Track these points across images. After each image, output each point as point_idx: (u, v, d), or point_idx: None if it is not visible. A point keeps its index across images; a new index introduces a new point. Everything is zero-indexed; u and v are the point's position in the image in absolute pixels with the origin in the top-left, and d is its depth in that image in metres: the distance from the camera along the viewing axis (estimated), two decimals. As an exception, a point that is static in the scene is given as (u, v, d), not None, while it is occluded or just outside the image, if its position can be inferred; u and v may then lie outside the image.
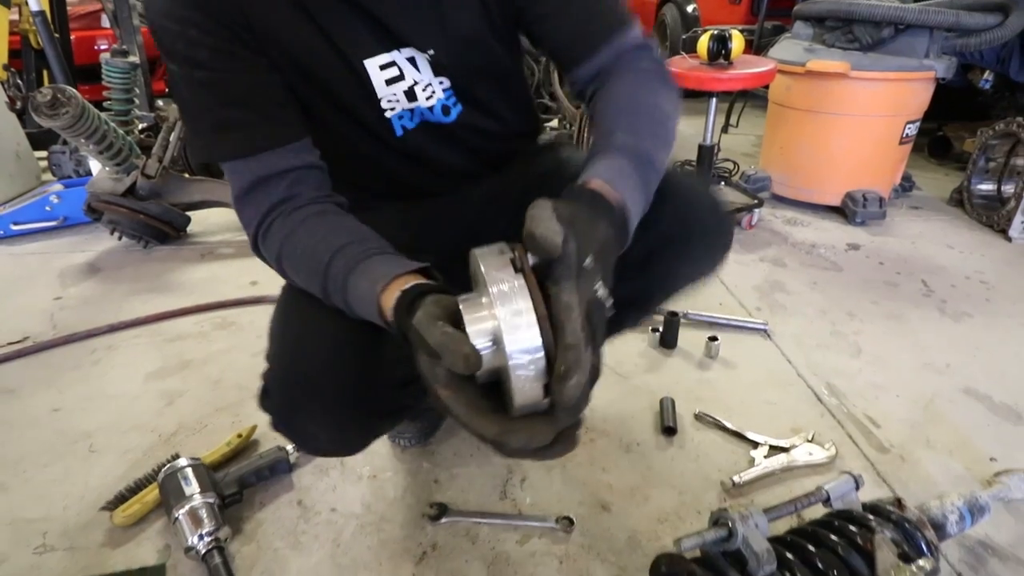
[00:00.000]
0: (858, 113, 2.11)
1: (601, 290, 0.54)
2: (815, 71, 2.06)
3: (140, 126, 2.45)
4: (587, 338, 0.50)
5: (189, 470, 1.05)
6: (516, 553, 0.99)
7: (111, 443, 1.24)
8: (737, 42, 1.96)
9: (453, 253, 0.62)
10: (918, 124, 2.20)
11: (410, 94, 0.82)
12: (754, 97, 2.88)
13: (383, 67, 0.78)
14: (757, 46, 2.91)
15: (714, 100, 2.09)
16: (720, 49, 1.98)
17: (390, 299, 0.59)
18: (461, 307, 0.53)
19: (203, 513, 0.99)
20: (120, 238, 2.09)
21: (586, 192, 0.61)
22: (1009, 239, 2.11)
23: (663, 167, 0.71)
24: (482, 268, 0.51)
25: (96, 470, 1.17)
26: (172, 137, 2.02)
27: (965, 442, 1.21)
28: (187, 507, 0.99)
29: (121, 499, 1.07)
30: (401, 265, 0.64)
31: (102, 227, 2.08)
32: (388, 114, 0.82)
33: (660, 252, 0.78)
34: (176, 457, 1.08)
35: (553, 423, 0.50)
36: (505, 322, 0.49)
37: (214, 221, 2.33)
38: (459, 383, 0.52)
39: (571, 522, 1.04)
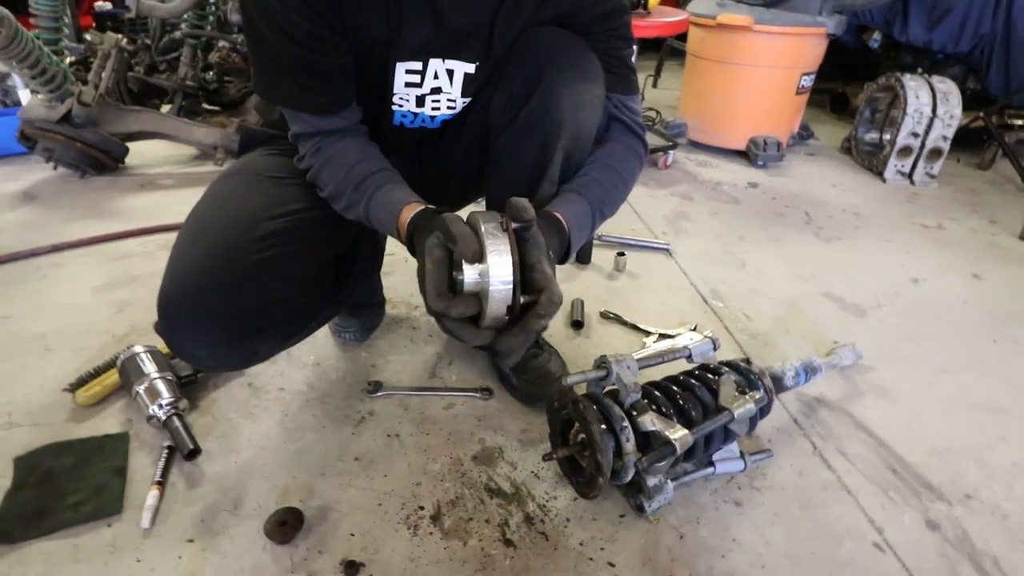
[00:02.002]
0: (760, 64, 2.34)
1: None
2: (724, 24, 2.27)
3: (69, 59, 2.42)
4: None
5: (146, 354, 1.16)
6: (442, 415, 1.17)
7: (65, 343, 1.33)
8: (654, -6, 2.14)
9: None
10: (813, 77, 2.45)
11: (420, 101, 0.95)
12: (681, 55, 3.09)
13: (409, 72, 0.91)
14: (682, 2, 3.10)
15: (635, 47, 2.26)
16: (639, 0, 2.16)
17: (411, 211, 0.83)
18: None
19: (161, 386, 1.10)
20: (55, 167, 2.09)
21: (547, 214, 0.85)
22: (884, 180, 2.41)
23: (613, 212, 0.97)
24: (481, 225, 0.73)
25: (53, 364, 1.26)
26: (108, 65, 2.02)
27: (817, 331, 1.47)
28: (146, 383, 1.11)
29: (82, 382, 1.18)
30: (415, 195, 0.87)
31: (36, 157, 2.09)
32: (394, 107, 0.96)
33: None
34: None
35: (517, 334, 0.74)
36: (492, 261, 0.71)
37: (153, 154, 2.35)
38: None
39: (490, 392, 1.22)
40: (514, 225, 0.75)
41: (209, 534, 0.92)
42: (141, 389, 1.10)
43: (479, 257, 0.73)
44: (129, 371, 1.14)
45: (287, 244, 0.88)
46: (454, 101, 0.96)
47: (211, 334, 0.85)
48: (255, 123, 1.14)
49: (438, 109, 0.97)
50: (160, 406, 1.08)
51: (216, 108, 2.76)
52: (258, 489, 1.00)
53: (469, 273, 0.72)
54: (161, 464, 1.02)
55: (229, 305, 0.84)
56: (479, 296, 0.74)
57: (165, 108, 2.63)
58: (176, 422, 1.07)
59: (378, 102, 0.94)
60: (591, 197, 0.93)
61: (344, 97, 0.90)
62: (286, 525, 0.92)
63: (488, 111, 0.98)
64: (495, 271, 0.71)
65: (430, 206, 0.84)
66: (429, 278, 0.72)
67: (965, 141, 2.56)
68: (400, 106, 0.95)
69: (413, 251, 0.82)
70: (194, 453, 1.03)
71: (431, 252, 0.73)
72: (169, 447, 1.05)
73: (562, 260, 0.88)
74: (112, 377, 1.18)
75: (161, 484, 0.99)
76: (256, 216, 0.88)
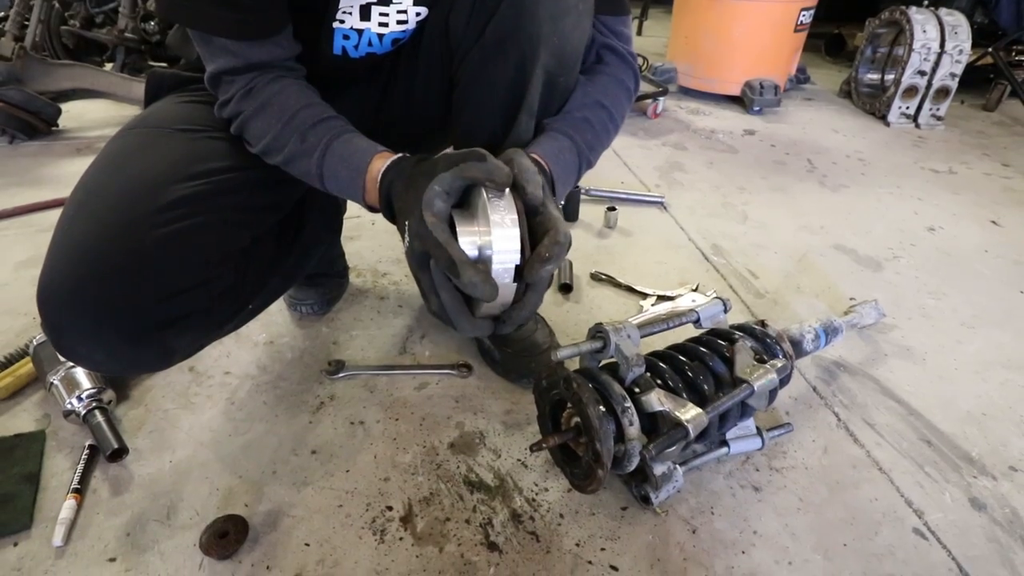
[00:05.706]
0: (757, -2, 2.14)
1: None
2: (717, -46, 2.07)
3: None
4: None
5: (64, 338, 1.00)
6: (414, 397, 1.02)
7: (-23, 328, 1.15)
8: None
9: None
10: (812, 12, 2.26)
11: (365, 12, 0.75)
12: (666, 2, 2.88)
13: None
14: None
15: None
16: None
17: (384, 160, 0.68)
18: (456, 218, 0.63)
19: (81, 375, 0.94)
20: (-22, 131, 1.87)
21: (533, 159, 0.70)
22: (888, 124, 2.25)
23: (598, 155, 0.83)
24: (483, 193, 0.61)
25: (-38, 353, 1.09)
26: (33, 15, 1.79)
27: (830, 287, 1.33)
28: (63, 371, 0.95)
29: (-10, 374, 1.01)
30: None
31: (-45, 121, 1.86)
32: (335, 24, 0.76)
33: None
34: (49, 329, 1.02)
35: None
36: (496, 234, 0.60)
37: (92, 116, 2.12)
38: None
39: (469, 368, 1.07)
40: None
41: (135, 550, 0.77)
42: (56, 379, 0.94)
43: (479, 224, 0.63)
44: (43, 359, 0.98)
45: (203, 213, 0.69)
46: (405, 12, 0.77)
47: (104, 332, 0.65)
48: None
49: (386, 25, 0.78)
50: (79, 398, 0.92)
51: (163, 64, 2.52)
52: (196, 493, 0.85)
53: (465, 242, 0.61)
54: (80, 468, 0.86)
55: (124, 294, 0.65)
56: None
57: (108, 67, 2.40)
58: (98, 417, 0.91)
59: (314, 20, 0.75)
60: (580, 142, 0.77)
61: (276, 16, 0.70)
62: (227, 537, 0.77)
63: (448, 26, 0.79)
64: (500, 244, 0.60)
65: (407, 155, 0.69)
66: (436, 233, 0.59)
67: (968, 81, 2.40)
68: (342, 21, 0.76)
69: (389, 211, 0.68)
70: (119, 453, 0.87)
71: (430, 205, 0.60)
72: (91, 447, 0.89)
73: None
74: (25, 367, 1.01)
75: (79, 492, 0.83)
76: (160, 179, 0.69)
